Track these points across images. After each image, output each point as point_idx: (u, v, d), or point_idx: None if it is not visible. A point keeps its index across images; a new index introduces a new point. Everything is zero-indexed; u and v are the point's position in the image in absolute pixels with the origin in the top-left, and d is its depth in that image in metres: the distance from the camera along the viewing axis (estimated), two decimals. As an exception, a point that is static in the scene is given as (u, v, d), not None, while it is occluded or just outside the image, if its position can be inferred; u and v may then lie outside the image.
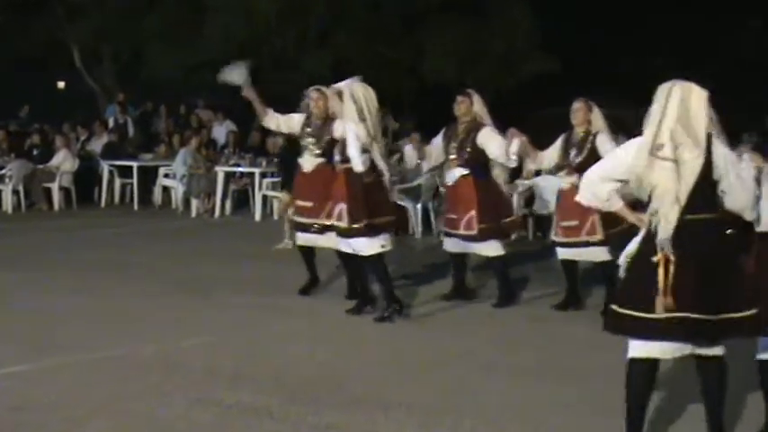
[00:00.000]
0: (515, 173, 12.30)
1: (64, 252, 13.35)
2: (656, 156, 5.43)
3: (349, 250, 9.50)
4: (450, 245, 10.22)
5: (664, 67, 25.18)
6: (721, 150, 5.52)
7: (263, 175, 17.04)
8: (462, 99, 10.00)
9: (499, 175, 10.02)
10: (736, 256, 5.69)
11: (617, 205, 5.85)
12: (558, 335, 9.02)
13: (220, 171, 17.54)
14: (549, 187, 13.86)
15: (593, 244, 9.52)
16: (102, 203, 19.32)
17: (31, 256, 13.04)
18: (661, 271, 5.40)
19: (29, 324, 8.97)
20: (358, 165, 9.17)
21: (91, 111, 25.05)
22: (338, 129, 9.62)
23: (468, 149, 9.87)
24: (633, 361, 5.70)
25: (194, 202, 17.68)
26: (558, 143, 9.78)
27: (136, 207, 18.79)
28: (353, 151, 9.16)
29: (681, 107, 5.46)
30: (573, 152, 9.60)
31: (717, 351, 5.66)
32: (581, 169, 9.38)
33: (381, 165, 9.37)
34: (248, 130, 20.59)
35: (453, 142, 9.98)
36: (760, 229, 5.79)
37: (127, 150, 20.63)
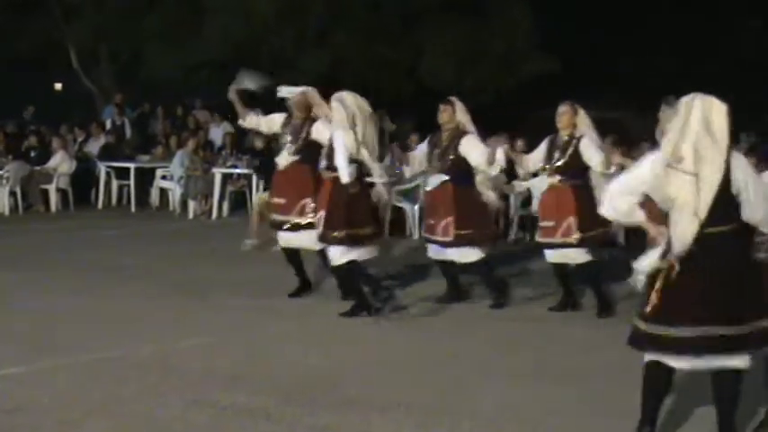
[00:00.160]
0: (512, 175, 12.31)
1: (61, 253, 13.33)
2: (675, 168, 5.46)
3: (333, 261, 9.54)
4: (431, 251, 10.26)
5: (664, 68, 25.22)
6: (740, 163, 5.56)
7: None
8: (445, 107, 10.02)
9: (483, 183, 10.02)
10: (754, 267, 5.70)
11: (639, 218, 5.85)
12: (556, 335, 9.01)
13: (217, 173, 17.51)
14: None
15: (569, 245, 9.59)
16: (100, 205, 19.29)
17: (29, 257, 13.02)
18: (662, 277, 5.47)
19: (26, 325, 8.95)
20: (344, 176, 9.21)
21: (88, 112, 25.01)
22: (316, 130, 9.78)
23: (451, 157, 9.90)
24: (650, 363, 5.77)
25: (191, 204, 17.65)
26: (543, 146, 9.86)
27: (133, 209, 18.76)
28: (341, 162, 9.20)
29: (702, 121, 5.49)
30: (556, 154, 9.66)
31: (735, 363, 5.65)
32: (562, 171, 9.53)
33: (375, 170, 9.42)
34: (245, 131, 20.56)
35: (437, 149, 10.01)
36: None
37: (124, 152, 20.59)
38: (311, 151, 9.89)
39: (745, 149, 8.88)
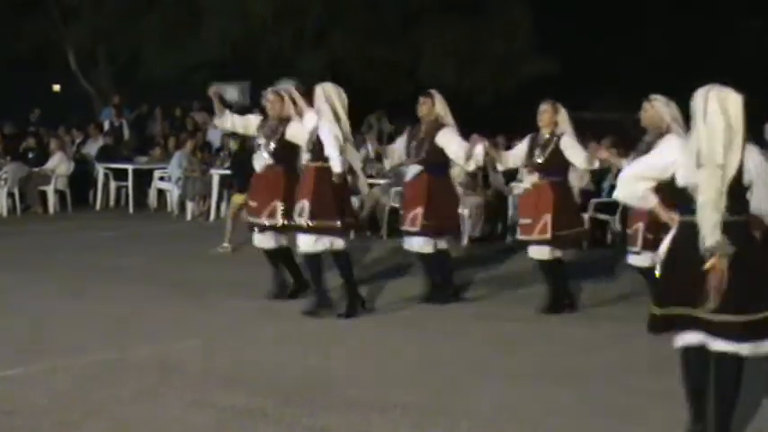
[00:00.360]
0: (511, 176, 12.32)
1: (59, 255, 13.32)
2: (699, 160, 5.52)
3: (303, 250, 9.54)
4: (405, 243, 10.32)
5: (664, 68, 25.21)
6: (753, 155, 5.65)
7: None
8: (424, 100, 10.12)
9: (458, 176, 10.13)
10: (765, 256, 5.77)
11: (652, 203, 5.98)
12: (554, 335, 9.00)
13: (215, 174, 17.48)
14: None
15: (543, 243, 9.72)
16: (98, 206, 19.31)
17: (26, 258, 13.00)
18: (715, 274, 5.51)
19: (24, 326, 8.93)
20: (337, 165, 9.25)
21: (86, 114, 24.99)
22: (291, 131, 9.82)
23: (426, 148, 9.97)
24: (684, 350, 5.83)
25: (189, 205, 17.63)
26: (524, 143, 9.98)
27: (131, 210, 18.76)
28: (333, 151, 9.24)
29: (722, 113, 5.55)
30: (537, 152, 9.78)
31: (737, 349, 5.69)
32: (542, 169, 9.62)
33: (356, 164, 9.52)
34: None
35: (414, 141, 10.10)
36: None
37: (122, 153, 20.60)
38: (286, 153, 9.97)
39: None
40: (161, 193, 19.04)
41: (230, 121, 10.41)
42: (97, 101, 26.56)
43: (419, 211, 9.93)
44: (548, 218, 9.62)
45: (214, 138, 20.96)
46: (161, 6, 24.73)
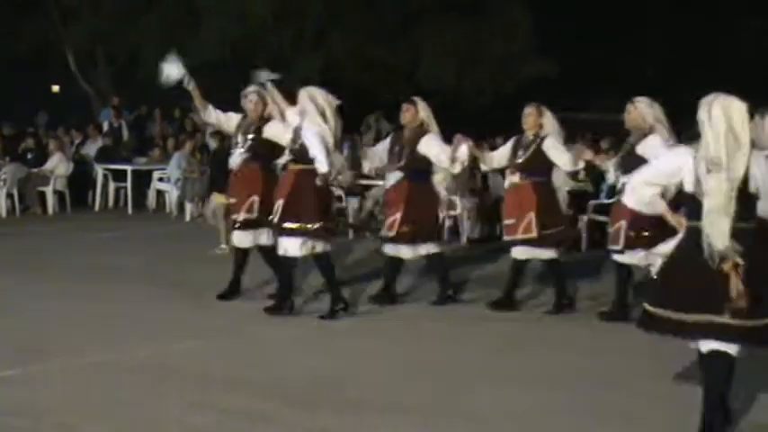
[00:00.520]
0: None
1: (58, 256, 13.30)
2: (709, 168, 5.60)
3: (281, 252, 9.56)
4: (385, 247, 10.31)
5: (664, 69, 25.19)
6: (758, 161, 5.74)
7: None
8: (408, 107, 10.16)
9: (441, 182, 10.13)
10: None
11: (660, 207, 6.10)
12: (554, 337, 9.00)
13: (215, 175, 17.45)
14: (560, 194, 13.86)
15: (531, 242, 9.77)
16: (97, 207, 19.30)
17: (25, 259, 12.98)
18: (733, 278, 5.59)
19: (23, 328, 8.92)
20: (323, 166, 9.24)
21: (85, 114, 24.97)
22: (269, 129, 9.83)
23: (407, 154, 10.00)
24: (703, 354, 5.90)
25: (188, 206, 17.63)
26: (509, 145, 10.07)
27: (130, 211, 18.75)
28: (318, 153, 9.23)
29: (725, 121, 5.64)
30: (520, 152, 9.88)
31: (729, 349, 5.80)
32: (523, 169, 9.69)
33: (340, 166, 9.49)
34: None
35: (396, 146, 10.14)
36: None
37: (121, 154, 20.59)
38: (262, 150, 9.98)
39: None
40: (160, 193, 19.03)
41: (214, 116, 10.34)
42: (96, 102, 26.54)
43: (397, 216, 9.96)
44: (531, 217, 9.68)
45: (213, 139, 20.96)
46: (160, 7, 24.70)
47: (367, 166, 10.69)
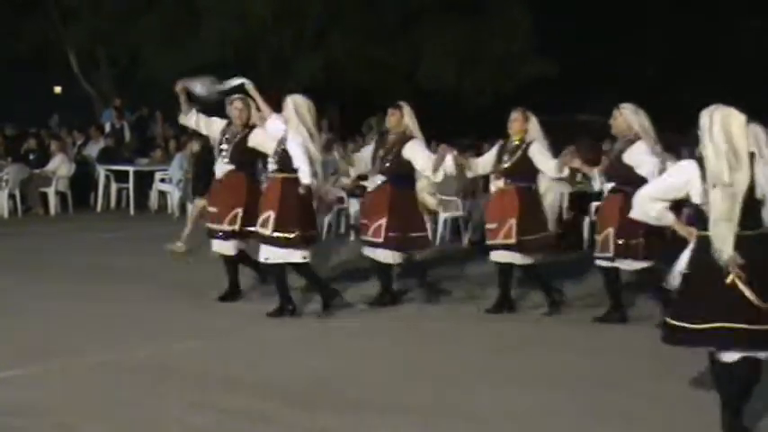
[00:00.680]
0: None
1: (59, 256, 13.32)
2: (719, 182, 5.66)
3: (262, 259, 9.61)
4: (365, 250, 10.33)
5: (663, 68, 25.15)
6: (763, 169, 5.79)
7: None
8: (393, 111, 10.19)
9: (424, 188, 10.14)
10: None
11: (669, 220, 6.18)
12: (554, 338, 9.01)
13: (217, 175, 17.45)
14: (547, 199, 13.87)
15: (509, 247, 9.78)
16: (99, 208, 19.32)
17: (27, 260, 13.00)
18: (742, 287, 5.67)
19: (23, 328, 8.93)
20: (306, 176, 9.29)
21: (87, 115, 25.00)
22: (254, 137, 9.85)
23: (391, 159, 10.03)
24: (715, 361, 5.96)
25: (190, 207, 17.60)
26: (494, 150, 10.09)
27: (132, 212, 18.76)
28: (302, 163, 9.28)
29: (724, 133, 5.71)
30: (505, 157, 9.88)
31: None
32: (508, 174, 9.73)
33: (321, 175, 9.53)
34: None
35: (381, 151, 10.15)
36: None
37: (123, 155, 20.61)
38: (247, 159, 10.03)
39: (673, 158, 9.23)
40: (162, 194, 19.04)
41: (194, 120, 10.34)
42: (98, 103, 26.58)
43: (382, 222, 9.95)
44: (512, 222, 9.69)
45: (215, 139, 20.98)
46: (160, 7, 24.72)
47: (353, 172, 10.73)
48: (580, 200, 13.70)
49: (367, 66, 23.67)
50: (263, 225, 9.44)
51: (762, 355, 5.87)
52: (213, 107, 10.38)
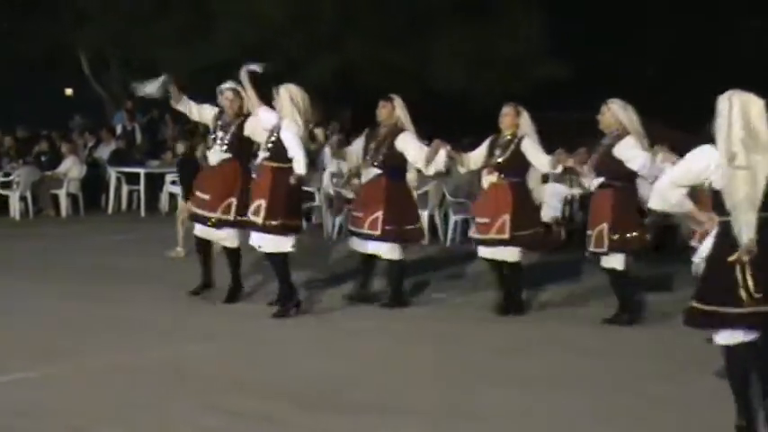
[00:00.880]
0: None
1: (70, 258, 13.35)
2: (732, 165, 5.68)
3: (255, 246, 9.67)
4: (356, 243, 10.35)
5: (663, 68, 25.07)
6: None
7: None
8: (384, 104, 10.24)
9: (412, 180, 10.25)
10: None
11: (688, 208, 6.16)
12: (559, 338, 9.04)
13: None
14: (556, 194, 13.89)
15: (502, 243, 9.80)
16: (110, 210, 19.36)
17: (38, 262, 13.05)
18: (739, 269, 5.69)
19: (36, 330, 8.97)
20: (302, 167, 9.35)
21: (98, 117, 25.04)
22: (249, 126, 9.88)
23: (385, 152, 10.06)
24: (727, 348, 5.93)
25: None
26: (485, 145, 10.09)
27: (143, 214, 18.80)
28: (298, 153, 9.33)
29: (743, 116, 5.73)
30: (497, 152, 9.90)
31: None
32: (501, 169, 9.75)
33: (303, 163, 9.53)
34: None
35: (372, 143, 10.18)
36: None
37: (134, 157, 20.64)
38: (242, 147, 10.07)
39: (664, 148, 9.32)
40: (172, 196, 19.02)
41: (187, 106, 10.37)
42: (109, 105, 26.62)
43: (379, 214, 9.98)
44: (506, 218, 9.72)
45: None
46: (172, 9, 24.74)
47: (345, 167, 10.76)
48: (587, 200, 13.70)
49: (378, 68, 23.65)
50: (255, 213, 9.50)
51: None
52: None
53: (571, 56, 23.24)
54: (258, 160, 9.81)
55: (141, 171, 19.17)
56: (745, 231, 5.65)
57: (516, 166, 9.83)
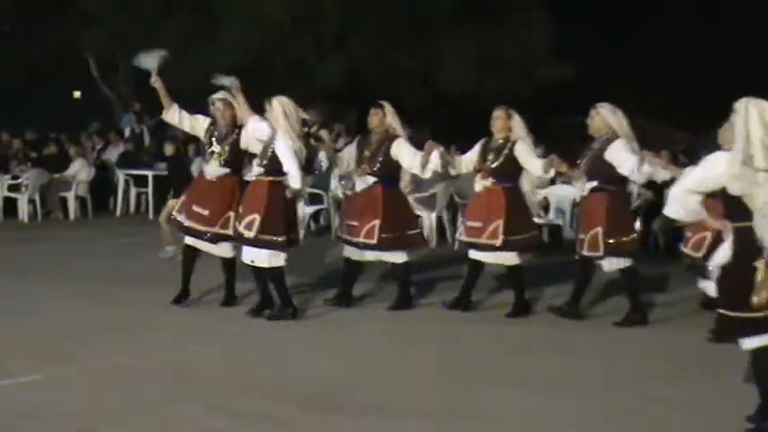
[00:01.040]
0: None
1: (78, 261, 13.39)
2: (751, 167, 5.73)
3: (247, 261, 9.62)
4: (349, 251, 10.30)
5: (663, 68, 25.01)
6: None
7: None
8: (375, 111, 10.21)
9: (407, 186, 10.22)
10: None
11: (702, 215, 6.21)
12: (564, 341, 9.03)
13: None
14: (564, 197, 13.90)
15: (495, 248, 9.82)
16: (118, 212, 19.41)
17: (46, 264, 13.08)
18: (761, 273, 5.74)
19: (41, 332, 9.00)
20: (297, 181, 9.36)
21: (107, 120, 25.09)
22: (245, 139, 9.82)
23: (381, 159, 10.06)
24: (758, 350, 5.99)
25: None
26: (477, 148, 10.11)
27: (151, 216, 18.77)
28: (293, 167, 9.32)
29: (760, 121, 5.79)
30: (491, 157, 9.91)
31: None
32: (496, 173, 9.77)
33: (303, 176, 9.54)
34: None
35: (366, 151, 10.15)
36: None
37: (142, 159, 20.66)
38: (238, 161, 10.03)
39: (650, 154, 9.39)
40: (181, 199, 19.07)
41: (178, 117, 10.28)
42: (117, 107, 26.67)
43: (376, 223, 9.94)
44: (499, 223, 9.74)
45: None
46: (179, 12, 24.77)
47: (338, 172, 10.76)
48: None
49: (385, 70, 23.65)
50: (248, 227, 9.45)
51: None
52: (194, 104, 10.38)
53: (577, 57, 23.23)
54: (253, 173, 9.74)
55: (149, 173, 19.18)
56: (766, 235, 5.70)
57: (510, 170, 9.86)
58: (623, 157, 9.27)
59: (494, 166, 9.86)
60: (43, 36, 25.33)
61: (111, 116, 26.22)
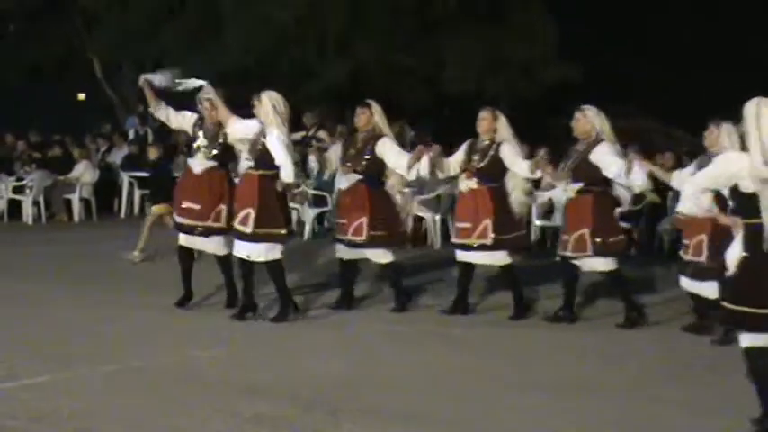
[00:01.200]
0: (535, 184, 12.36)
1: (82, 263, 13.39)
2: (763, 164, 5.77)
3: (243, 255, 9.62)
4: (341, 251, 10.34)
5: (663, 68, 24.97)
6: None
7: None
8: (362, 110, 10.23)
9: (394, 186, 10.21)
10: None
11: (713, 212, 6.43)
12: (568, 344, 9.04)
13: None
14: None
15: (487, 247, 9.84)
16: (122, 214, 19.41)
17: (50, 266, 13.08)
18: None
19: (47, 335, 9.00)
20: (290, 175, 9.36)
21: (111, 122, 25.10)
22: (233, 134, 9.80)
23: (366, 158, 10.08)
24: (751, 349, 6.02)
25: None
26: (462, 149, 10.15)
27: (155, 218, 18.81)
28: (285, 161, 9.34)
29: None
30: (476, 158, 9.96)
31: None
32: (481, 174, 9.79)
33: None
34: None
35: (351, 150, 10.20)
36: None
37: (147, 162, 20.63)
38: (227, 156, 10.06)
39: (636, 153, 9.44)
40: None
41: (165, 114, 10.32)
42: (121, 110, 26.69)
43: (363, 220, 9.98)
44: (488, 222, 9.78)
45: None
46: (183, 14, 24.78)
47: (327, 174, 10.79)
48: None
49: (390, 71, 23.66)
50: (243, 223, 9.47)
51: None
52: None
53: (577, 57, 23.24)
54: (243, 168, 9.77)
55: (154, 176, 19.17)
56: None
57: (495, 171, 9.90)
58: (609, 160, 9.33)
59: (479, 166, 9.91)
60: (47, 37, 25.34)
61: (116, 118, 26.24)
